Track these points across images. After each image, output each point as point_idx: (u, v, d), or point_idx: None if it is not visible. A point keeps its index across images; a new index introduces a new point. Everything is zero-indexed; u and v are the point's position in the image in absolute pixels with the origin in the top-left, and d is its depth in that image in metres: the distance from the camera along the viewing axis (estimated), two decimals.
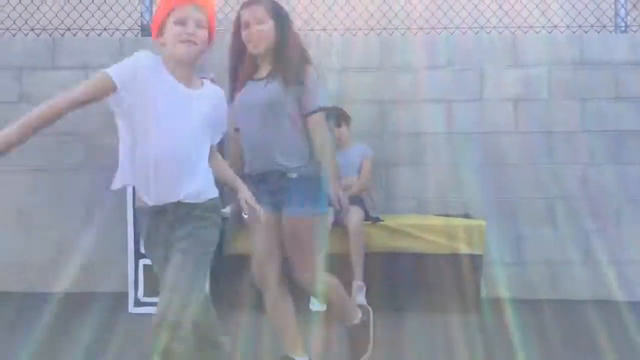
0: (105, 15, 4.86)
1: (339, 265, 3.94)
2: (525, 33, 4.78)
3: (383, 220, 4.16)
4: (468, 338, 3.60)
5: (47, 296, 4.39)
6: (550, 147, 4.64)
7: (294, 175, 2.65)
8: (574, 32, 4.77)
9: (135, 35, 4.78)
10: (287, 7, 2.76)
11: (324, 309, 3.74)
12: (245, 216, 2.32)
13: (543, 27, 4.83)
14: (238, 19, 2.70)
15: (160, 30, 2.18)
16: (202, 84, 2.26)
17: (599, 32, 4.76)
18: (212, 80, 2.53)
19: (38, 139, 4.38)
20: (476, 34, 4.77)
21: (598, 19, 4.82)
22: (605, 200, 4.60)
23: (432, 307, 4.04)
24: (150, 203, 2.15)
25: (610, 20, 4.84)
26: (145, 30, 4.65)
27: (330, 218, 4.01)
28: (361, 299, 4.01)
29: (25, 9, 4.86)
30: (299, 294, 2.86)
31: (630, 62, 4.63)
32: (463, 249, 4.06)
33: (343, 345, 2.99)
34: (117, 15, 4.87)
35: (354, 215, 4.06)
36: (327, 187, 2.69)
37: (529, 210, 4.61)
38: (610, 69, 4.63)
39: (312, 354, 2.97)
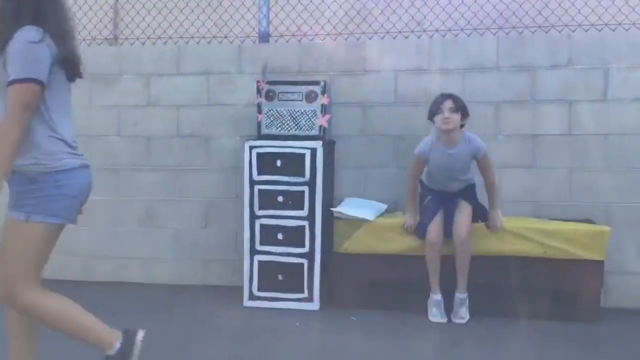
0: (225, 24, 5.10)
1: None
2: None
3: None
4: (585, 349, 3.46)
5: (167, 288, 4.72)
6: None
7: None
8: None
9: (253, 42, 4.98)
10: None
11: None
12: None
13: None
14: None
15: None
16: None
17: None
18: None
19: (165, 142, 4.72)
20: (600, 31, 4.53)
21: None
22: None
23: (549, 314, 3.89)
24: None
25: None
26: (262, 37, 4.83)
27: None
28: (463, 312, 3.89)
29: (154, 19, 5.21)
30: None
31: None
32: (583, 254, 3.87)
33: None
34: (237, 23, 5.09)
35: (464, 220, 3.91)
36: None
37: None
38: None
39: None
